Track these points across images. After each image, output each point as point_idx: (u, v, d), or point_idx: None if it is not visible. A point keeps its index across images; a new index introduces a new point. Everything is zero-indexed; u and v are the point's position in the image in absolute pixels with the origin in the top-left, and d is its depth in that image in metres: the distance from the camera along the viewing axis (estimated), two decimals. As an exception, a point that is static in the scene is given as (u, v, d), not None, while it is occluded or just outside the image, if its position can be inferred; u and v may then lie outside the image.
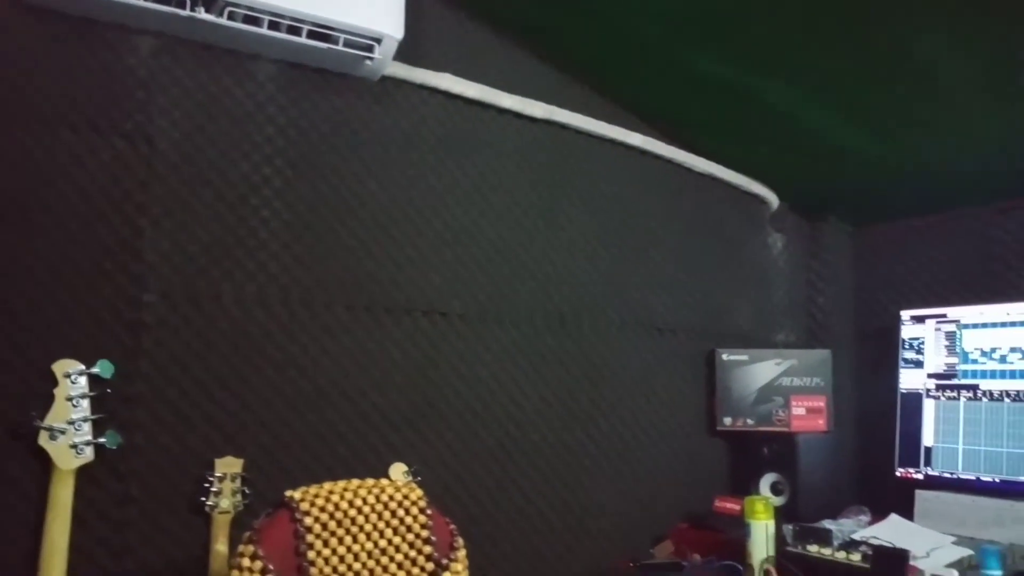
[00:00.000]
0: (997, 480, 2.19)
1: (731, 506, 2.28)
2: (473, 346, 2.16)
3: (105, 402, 1.57)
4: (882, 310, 2.62)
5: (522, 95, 2.25)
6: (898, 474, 2.39)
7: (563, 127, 2.35)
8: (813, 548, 1.91)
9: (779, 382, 2.53)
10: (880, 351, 2.57)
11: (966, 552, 1.79)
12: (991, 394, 2.26)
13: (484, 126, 2.22)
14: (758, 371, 2.54)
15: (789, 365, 2.53)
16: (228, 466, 1.71)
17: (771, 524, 1.95)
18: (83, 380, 1.55)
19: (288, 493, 1.47)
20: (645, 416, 2.45)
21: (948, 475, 2.30)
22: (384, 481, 1.55)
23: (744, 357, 2.56)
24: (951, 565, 1.68)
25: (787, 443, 2.41)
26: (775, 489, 2.40)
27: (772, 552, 1.92)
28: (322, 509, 1.46)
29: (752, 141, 2.53)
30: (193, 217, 1.76)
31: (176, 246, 1.74)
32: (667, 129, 2.54)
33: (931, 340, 2.42)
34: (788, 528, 2.01)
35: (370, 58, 1.85)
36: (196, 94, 1.79)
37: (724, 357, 2.56)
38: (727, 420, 2.54)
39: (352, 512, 1.48)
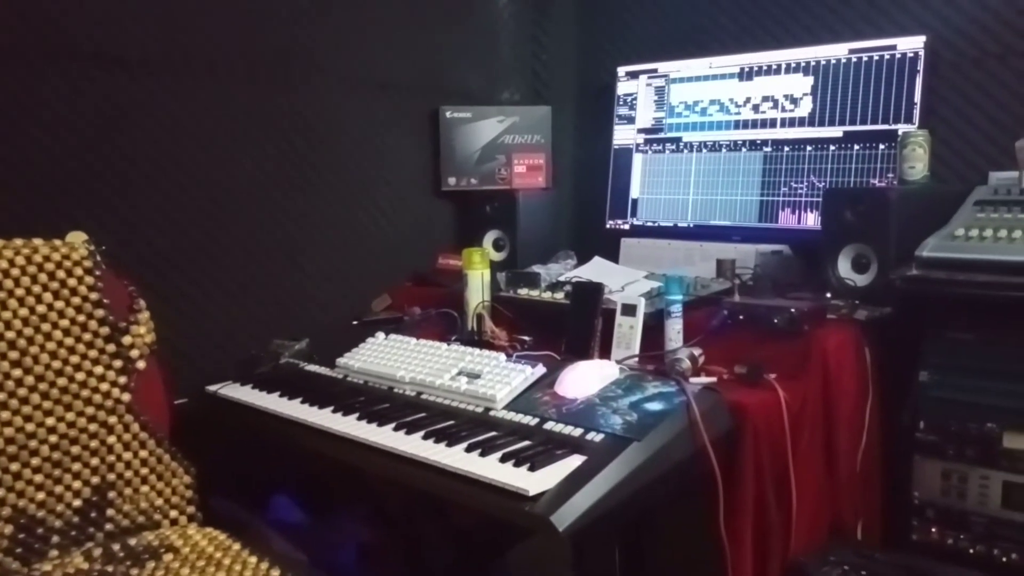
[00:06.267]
0: (691, 225, 2.38)
1: (453, 262, 2.32)
2: (163, 101, 1.91)
3: None
4: (603, 68, 2.63)
5: None
6: (608, 226, 2.54)
7: None
8: (523, 291, 1.99)
9: (501, 140, 2.52)
10: (599, 108, 2.62)
11: (656, 284, 1.94)
12: (691, 146, 2.39)
13: None
14: (481, 129, 2.50)
15: (511, 122, 2.52)
16: None
17: (487, 273, 2.00)
18: None
19: (-97, 257, 1.23)
20: (368, 178, 2.36)
21: (651, 224, 2.46)
22: (37, 240, 1.35)
23: (468, 115, 2.50)
24: (641, 295, 1.81)
25: (508, 200, 2.44)
26: (496, 245, 2.45)
27: (487, 298, 1.98)
28: (-47, 273, 1.25)
29: None
30: None
31: None
32: None
33: (643, 95, 2.49)
34: (501, 275, 2.08)
35: None
36: None
37: (448, 115, 2.49)
38: (451, 180, 2.51)
39: (-5, 275, 1.28)
